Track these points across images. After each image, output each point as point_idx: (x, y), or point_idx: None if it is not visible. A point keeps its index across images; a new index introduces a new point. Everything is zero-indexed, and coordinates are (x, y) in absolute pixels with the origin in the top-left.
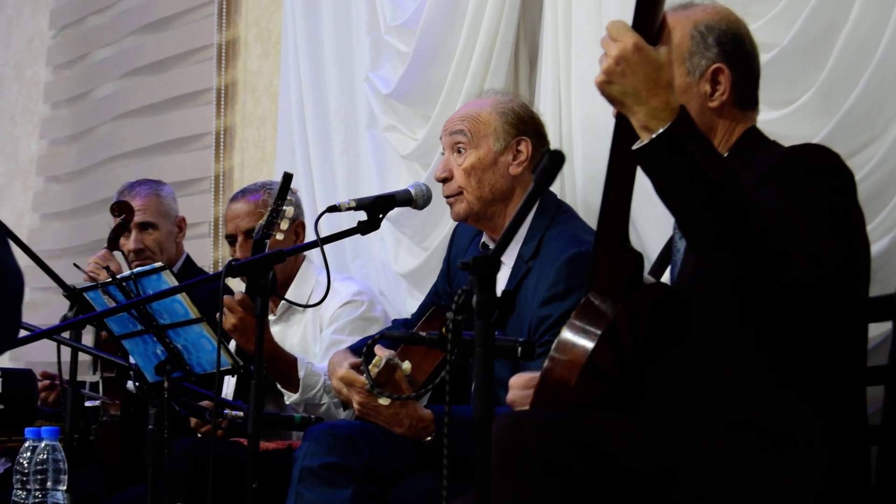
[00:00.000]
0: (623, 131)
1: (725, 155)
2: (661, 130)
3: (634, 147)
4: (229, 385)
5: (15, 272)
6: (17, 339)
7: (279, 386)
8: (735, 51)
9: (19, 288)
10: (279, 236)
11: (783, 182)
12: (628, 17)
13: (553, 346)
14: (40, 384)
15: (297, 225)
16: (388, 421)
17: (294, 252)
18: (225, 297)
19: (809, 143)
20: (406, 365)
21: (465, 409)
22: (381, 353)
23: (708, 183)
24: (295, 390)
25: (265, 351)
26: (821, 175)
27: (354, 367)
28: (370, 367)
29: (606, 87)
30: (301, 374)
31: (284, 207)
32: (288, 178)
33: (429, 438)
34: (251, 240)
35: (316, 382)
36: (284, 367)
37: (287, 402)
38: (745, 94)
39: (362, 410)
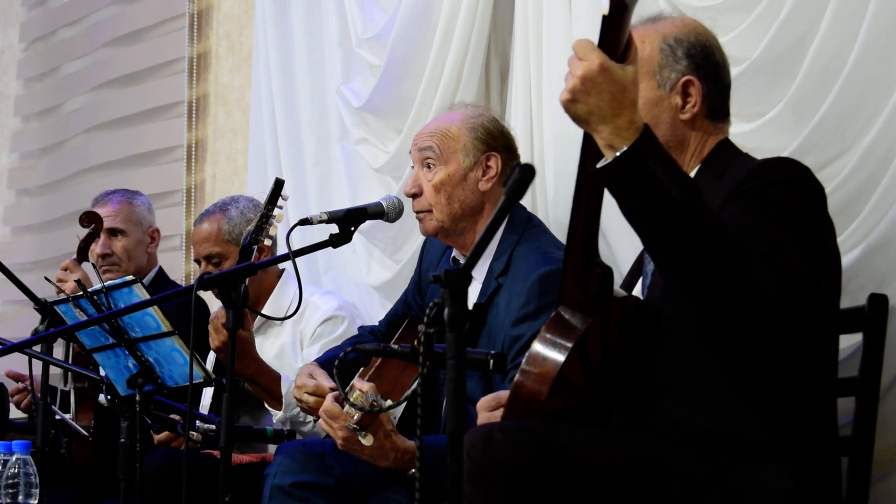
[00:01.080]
0: (590, 148)
1: (698, 167)
2: (624, 148)
3: (598, 165)
4: (205, 397)
5: None
6: None
7: (266, 405)
8: (705, 63)
9: None
10: (267, 242)
11: (752, 197)
12: (598, 32)
13: (524, 358)
14: (11, 388)
15: None
16: (373, 455)
17: (265, 265)
18: (211, 317)
19: (780, 156)
20: (388, 404)
21: (444, 438)
22: (361, 388)
23: (670, 201)
24: (279, 407)
25: (251, 369)
26: (791, 189)
27: (336, 398)
28: (351, 401)
29: (571, 106)
30: (284, 390)
31: (274, 213)
32: (279, 183)
33: (413, 470)
34: (211, 265)
35: None
36: (269, 382)
37: (274, 421)
38: (717, 105)
39: (346, 445)
